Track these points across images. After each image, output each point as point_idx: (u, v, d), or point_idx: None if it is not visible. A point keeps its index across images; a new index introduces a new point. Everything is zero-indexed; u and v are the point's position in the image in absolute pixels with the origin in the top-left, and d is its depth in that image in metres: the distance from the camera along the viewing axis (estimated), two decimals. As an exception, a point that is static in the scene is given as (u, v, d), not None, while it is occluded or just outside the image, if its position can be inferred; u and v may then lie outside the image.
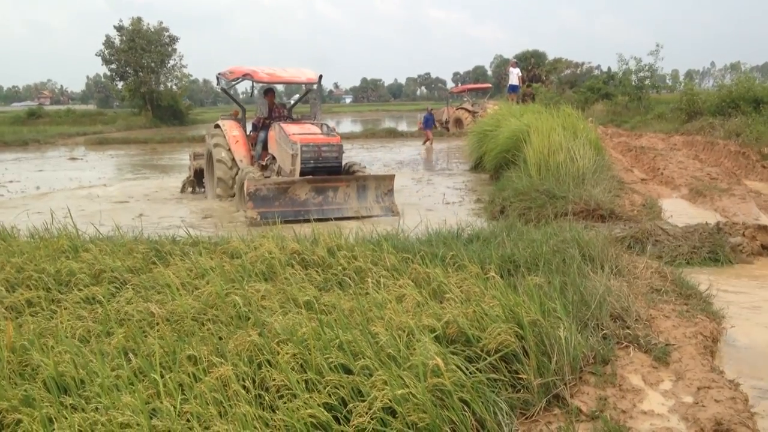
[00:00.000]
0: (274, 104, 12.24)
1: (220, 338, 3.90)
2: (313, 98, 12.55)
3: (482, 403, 3.32)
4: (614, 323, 4.59)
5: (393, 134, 33.52)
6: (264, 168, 11.41)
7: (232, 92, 13.38)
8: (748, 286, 6.19)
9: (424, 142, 26.08)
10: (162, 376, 3.25)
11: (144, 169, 20.52)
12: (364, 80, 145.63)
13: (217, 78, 12.54)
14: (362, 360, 3.34)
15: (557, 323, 4.07)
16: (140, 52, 48.18)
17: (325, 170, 10.47)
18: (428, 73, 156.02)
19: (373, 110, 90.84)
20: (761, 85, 20.53)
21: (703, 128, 18.14)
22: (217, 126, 12.35)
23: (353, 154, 26.11)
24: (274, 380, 3.24)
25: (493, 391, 3.47)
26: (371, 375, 3.24)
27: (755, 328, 5.07)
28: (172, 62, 51.34)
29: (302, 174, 10.18)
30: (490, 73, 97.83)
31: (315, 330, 3.59)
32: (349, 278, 5.26)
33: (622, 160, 15.49)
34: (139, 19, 49.55)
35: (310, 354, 3.36)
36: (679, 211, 9.54)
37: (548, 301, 4.38)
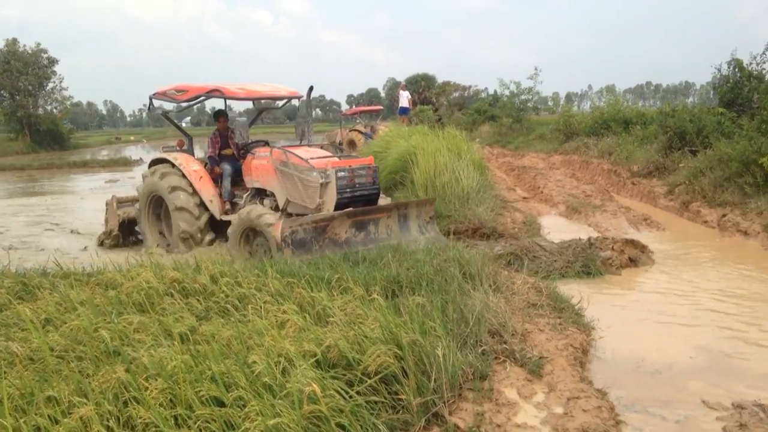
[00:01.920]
0: (228, 129, 9.88)
1: (87, 376, 3.68)
2: (302, 116, 10.40)
3: (360, 426, 3.30)
4: (492, 339, 4.73)
5: (287, 156, 33.23)
6: (234, 206, 9.36)
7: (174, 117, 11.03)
8: (615, 298, 6.57)
9: None
10: (16, 421, 3.02)
11: (21, 197, 19.26)
12: (258, 102, 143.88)
13: (150, 100, 9.95)
14: (236, 391, 3.25)
15: (437, 342, 4.13)
16: (16, 74, 45.83)
17: (362, 200, 8.55)
18: (323, 96, 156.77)
19: (267, 132, 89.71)
20: (629, 107, 22.09)
21: (579, 148, 19.23)
22: (159, 161, 9.85)
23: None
24: (141, 418, 3.09)
25: (373, 414, 3.47)
26: (245, 406, 3.16)
27: (621, 338, 5.37)
28: (51, 85, 49.32)
29: (337, 207, 8.20)
30: (383, 95, 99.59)
31: (186, 362, 3.46)
32: (232, 306, 5.13)
33: (506, 180, 16.13)
34: (15, 41, 47.12)
35: (180, 388, 3.23)
36: (557, 228, 10.04)
37: (428, 320, 4.45)
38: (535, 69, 28.60)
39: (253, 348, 3.97)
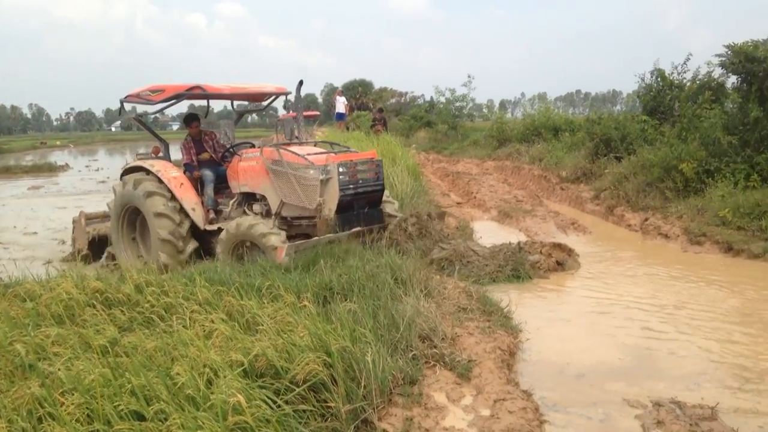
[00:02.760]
0: (202, 133, 9.24)
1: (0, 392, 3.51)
2: (297, 119, 9.32)
3: (287, 436, 3.27)
4: (423, 343, 4.76)
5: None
6: (218, 214, 8.74)
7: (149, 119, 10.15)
8: (543, 301, 6.72)
9: None
10: None
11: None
12: (192, 106, 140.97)
13: (121, 104, 9.04)
14: (157, 404, 3.16)
15: (366, 348, 4.13)
16: (-68, 75, 43.59)
17: (366, 197, 8.01)
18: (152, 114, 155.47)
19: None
20: (559, 115, 22.76)
21: (511, 154, 19.67)
22: (134, 170, 8.96)
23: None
24: (56, 435, 2.97)
25: (301, 422, 3.44)
26: (167, 419, 3.08)
27: (548, 340, 5.50)
28: (-29, 87, 46.94)
29: (339, 205, 7.61)
30: (320, 100, 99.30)
31: (104, 376, 3.34)
32: (157, 316, 5.00)
33: (441, 185, 16.31)
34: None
35: (97, 403, 3.12)
36: (489, 232, 10.22)
37: (359, 326, 4.44)
38: (469, 77, 29.03)
39: (178, 359, 3.88)
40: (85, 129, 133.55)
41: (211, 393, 3.30)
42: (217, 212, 8.73)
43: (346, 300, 5.34)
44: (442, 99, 30.06)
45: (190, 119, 9.19)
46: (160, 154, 9.46)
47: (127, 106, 9.19)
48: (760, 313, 6.11)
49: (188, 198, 8.54)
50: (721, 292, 6.83)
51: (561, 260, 7.81)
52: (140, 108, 9.35)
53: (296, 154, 7.85)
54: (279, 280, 5.77)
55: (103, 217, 10.04)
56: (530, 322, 5.75)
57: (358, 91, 49.72)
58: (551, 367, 4.95)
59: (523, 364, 5.01)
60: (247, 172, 8.41)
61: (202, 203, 8.69)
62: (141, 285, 5.67)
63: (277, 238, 7.42)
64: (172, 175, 8.65)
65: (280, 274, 6.30)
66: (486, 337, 5.10)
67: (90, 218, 10.10)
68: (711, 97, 12.31)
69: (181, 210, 8.40)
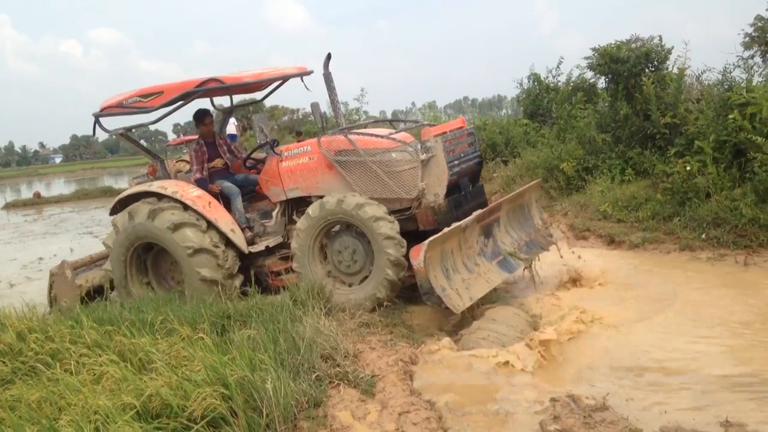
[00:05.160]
0: (214, 134, 7.87)
1: None
2: (331, 100, 7.92)
3: (187, 477, 3.15)
4: (325, 363, 4.74)
5: (110, 193, 31.33)
6: (251, 229, 7.26)
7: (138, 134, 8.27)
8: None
9: None
10: None
11: None
12: (74, 137, 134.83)
13: (96, 120, 7.31)
14: (41, 462, 2.97)
15: (267, 375, 4.06)
16: None
17: (466, 173, 6.91)
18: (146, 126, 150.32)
19: (87, 168, 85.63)
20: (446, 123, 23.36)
21: (405, 164, 19.97)
22: (131, 199, 7.32)
23: (66, 217, 23.90)
24: None
25: (202, 461, 3.33)
26: (52, 477, 2.89)
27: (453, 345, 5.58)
28: None
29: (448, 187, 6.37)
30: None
31: (-21, 438, 3.11)
32: (43, 363, 4.71)
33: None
34: None
35: (-28, 469, 2.89)
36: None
37: (258, 353, 4.37)
38: (362, 90, 29.36)
39: (65, 408, 3.67)
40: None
41: (101, 442, 3.14)
42: (251, 228, 7.34)
43: (244, 326, 5.23)
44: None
45: (202, 115, 7.69)
46: (158, 174, 8.04)
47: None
48: (640, 303, 6.41)
49: (223, 219, 7.01)
50: (608, 287, 7.10)
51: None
52: (108, 123, 7.60)
53: (375, 136, 6.69)
54: (172, 312, 5.58)
55: (90, 262, 8.60)
56: (432, 329, 5.83)
57: (250, 110, 49.06)
58: (457, 370, 5.02)
59: (427, 372, 5.06)
60: (297, 172, 7.04)
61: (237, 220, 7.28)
62: (23, 332, 5.33)
63: (393, 237, 6.12)
64: (194, 194, 7.07)
65: (175, 305, 6.09)
66: (388, 350, 5.13)
67: (77, 267, 8.30)
68: (584, 98, 13.03)
69: (219, 236, 6.92)
